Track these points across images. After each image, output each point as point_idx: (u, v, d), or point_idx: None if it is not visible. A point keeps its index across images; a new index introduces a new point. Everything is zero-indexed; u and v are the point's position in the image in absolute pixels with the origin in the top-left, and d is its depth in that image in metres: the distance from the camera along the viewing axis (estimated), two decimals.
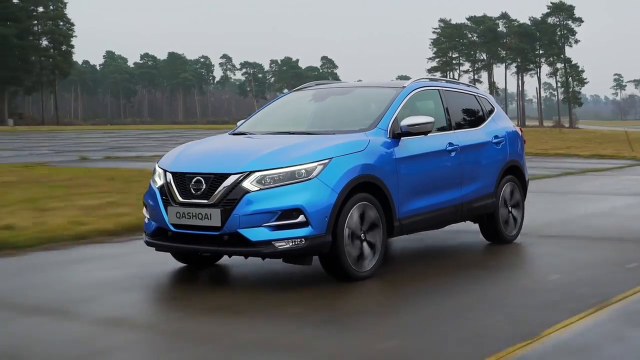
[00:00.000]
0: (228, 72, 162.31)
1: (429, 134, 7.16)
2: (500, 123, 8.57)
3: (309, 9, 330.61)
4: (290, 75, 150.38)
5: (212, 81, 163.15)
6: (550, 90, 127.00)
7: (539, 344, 4.60)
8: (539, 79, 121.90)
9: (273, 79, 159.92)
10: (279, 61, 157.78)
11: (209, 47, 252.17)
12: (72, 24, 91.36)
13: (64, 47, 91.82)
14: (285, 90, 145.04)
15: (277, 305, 5.77)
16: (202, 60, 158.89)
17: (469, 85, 8.82)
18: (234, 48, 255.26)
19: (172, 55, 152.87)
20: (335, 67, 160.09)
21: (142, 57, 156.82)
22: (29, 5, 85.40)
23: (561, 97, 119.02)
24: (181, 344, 4.79)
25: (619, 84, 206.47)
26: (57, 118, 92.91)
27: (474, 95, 8.52)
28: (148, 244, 6.71)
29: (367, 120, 7.07)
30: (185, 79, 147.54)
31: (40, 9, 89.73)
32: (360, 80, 8.64)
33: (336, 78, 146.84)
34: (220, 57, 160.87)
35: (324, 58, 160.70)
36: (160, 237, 6.54)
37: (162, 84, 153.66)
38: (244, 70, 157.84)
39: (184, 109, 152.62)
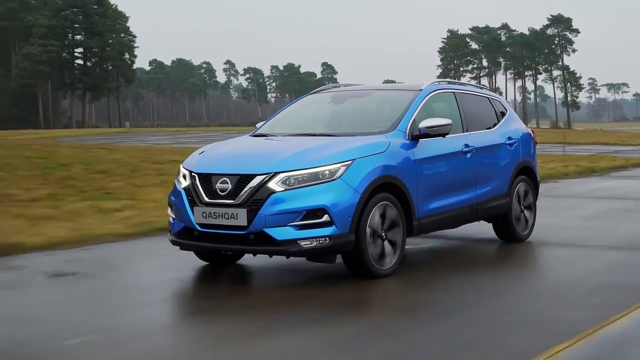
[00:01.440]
0: (231, 77, 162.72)
1: (445, 136, 7.09)
2: (513, 125, 8.49)
3: (312, 17, 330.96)
4: (293, 80, 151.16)
5: (215, 86, 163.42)
6: (524, 95, 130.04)
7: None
8: (535, 84, 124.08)
9: (274, 83, 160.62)
10: (282, 67, 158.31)
11: (212, 53, 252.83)
12: (135, 36, 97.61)
13: (127, 56, 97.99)
14: (287, 96, 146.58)
15: (299, 301, 5.73)
16: (204, 66, 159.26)
17: (481, 88, 8.75)
18: (236, 54, 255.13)
19: (180, 61, 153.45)
20: (335, 72, 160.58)
21: (150, 62, 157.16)
22: (108, 20, 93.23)
23: (556, 101, 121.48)
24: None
25: (593, 87, 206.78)
26: (120, 121, 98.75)
27: (487, 97, 8.45)
28: (174, 243, 6.64)
29: (386, 123, 7.00)
30: (193, 84, 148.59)
31: (109, 24, 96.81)
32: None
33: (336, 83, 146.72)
34: (224, 63, 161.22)
35: (324, 64, 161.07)
36: (186, 237, 6.46)
37: (170, 89, 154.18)
38: (247, 75, 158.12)
39: (190, 113, 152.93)
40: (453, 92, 7.85)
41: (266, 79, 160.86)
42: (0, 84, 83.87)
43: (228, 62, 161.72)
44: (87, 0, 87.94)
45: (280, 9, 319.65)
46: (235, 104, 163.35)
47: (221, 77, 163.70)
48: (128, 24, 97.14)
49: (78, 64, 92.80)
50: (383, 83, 9.32)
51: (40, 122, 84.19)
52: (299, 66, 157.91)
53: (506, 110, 8.59)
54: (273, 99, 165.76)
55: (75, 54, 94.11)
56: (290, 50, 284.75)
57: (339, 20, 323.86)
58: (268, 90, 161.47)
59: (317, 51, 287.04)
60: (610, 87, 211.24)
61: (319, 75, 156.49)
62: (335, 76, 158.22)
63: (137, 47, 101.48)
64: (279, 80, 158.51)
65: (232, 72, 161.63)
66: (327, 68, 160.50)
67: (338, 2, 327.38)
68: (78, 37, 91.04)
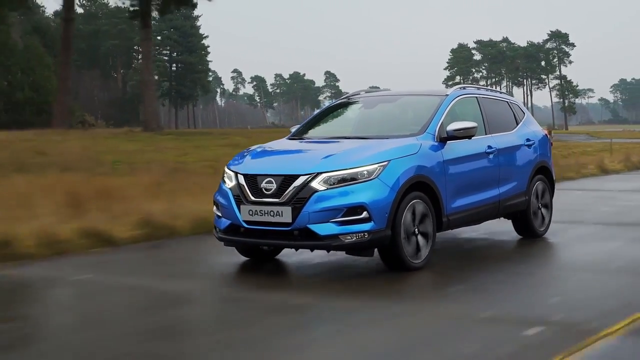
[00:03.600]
0: (239, 85, 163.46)
1: (471, 138, 7.28)
2: (531, 127, 8.67)
3: (317, 27, 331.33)
4: (298, 87, 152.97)
5: (223, 93, 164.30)
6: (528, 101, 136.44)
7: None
8: (531, 92, 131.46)
9: (278, 90, 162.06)
10: (287, 75, 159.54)
11: (218, 62, 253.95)
12: (208, 52, 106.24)
13: (202, 67, 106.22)
14: (292, 101, 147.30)
15: (344, 290, 5.94)
16: (211, 74, 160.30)
17: (501, 93, 8.94)
18: (241, 63, 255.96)
19: None
20: (337, 80, 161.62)
21: None
22: (197, 39, 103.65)
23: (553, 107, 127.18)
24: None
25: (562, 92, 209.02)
26: (195, 125, 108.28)
27: (507, 101, 8.63)
28: (220, 239, 6.83)
29: (416, 126, 7.18)
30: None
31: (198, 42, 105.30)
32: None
33: (338, 91, 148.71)
34: (232, 72, 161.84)
35: (327, 72, 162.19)
36: (232, 233, 6.65)
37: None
38: (254, 83, 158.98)
39: (201, 118, 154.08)
40: (476, 96, 8.04)
41: (269, 87, 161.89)
42: (111, 94, 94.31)
43: (235, 70, 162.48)
44: (183, 23, 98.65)
45: (285, 18, 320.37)
46: (240, 109, 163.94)
47: (228, 85, 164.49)
48: (202, 42, 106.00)
49: (174, 76, 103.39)
50: (370, 88, 9.40)
51: (139, 124, 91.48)
52: (304, 74, 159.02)
53: (523, 113, 8.78)
54: (276, 105, 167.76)
55: (172, 67, 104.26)
56: (294, 60, 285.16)
57: (343, 31, 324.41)
58: (273, 96, 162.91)
59: (321, 61, 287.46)
60: (578, 92, 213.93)
61: (320, 83, 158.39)
62: (337, 84, 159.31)
63: (211, 61, 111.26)
64: (284, 88, 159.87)
65: (240, 80, 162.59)
66: (330, 76, 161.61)
67: (342, 14, 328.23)
68: (174, 53, 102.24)
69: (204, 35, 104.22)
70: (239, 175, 6.64)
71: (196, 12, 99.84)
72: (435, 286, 6.37)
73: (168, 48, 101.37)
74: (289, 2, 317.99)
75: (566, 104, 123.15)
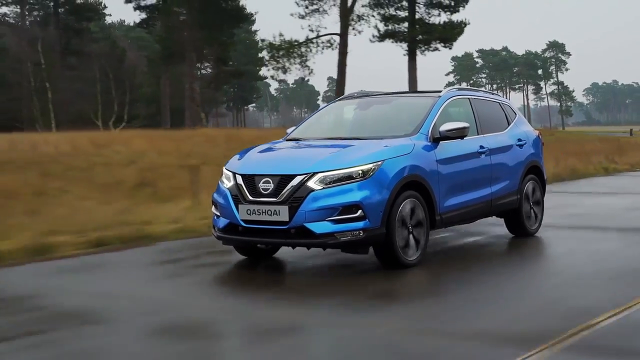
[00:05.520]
0: None
1: (463, 138, 7.24)
2: (522, 127, 8.62)
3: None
4: (304, 92, 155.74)
5: None
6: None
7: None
8: (527, 96, 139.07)
9: (282, 95, 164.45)
10: (293, 80, 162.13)
11: None
12: (264, 63, 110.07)
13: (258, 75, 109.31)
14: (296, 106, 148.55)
15: (339, 287, 5.89)
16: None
17: (493, 94, 8.90)
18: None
19: None
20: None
21: None
22: (258, 51, 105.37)
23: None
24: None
25: (539, 95, 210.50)
26: (245, 125, 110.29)
27: (499, 102, 8.59)
28: (218, 238, 6.80)
29: (410, 127, 7.14)
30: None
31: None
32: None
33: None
34: None
35: (329, 78, 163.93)
36: (231, 232, 6.61)
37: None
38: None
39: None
40: (468, 98, 8.00)
41: (274, 92, 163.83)
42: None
43: None
44: (246, 36, 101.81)
45: (289, 23, 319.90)
46: (250, 113, 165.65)
47: None
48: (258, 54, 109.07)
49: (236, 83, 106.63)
50: (360, 91, 9.38)
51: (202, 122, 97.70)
52: (307, 80, 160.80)
53: (515, 114, 8.73)
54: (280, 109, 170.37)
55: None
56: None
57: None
58: (277, 100, 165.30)
59: (323, 65, 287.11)
60: (552, 94, 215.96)
61: (324, 88, 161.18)
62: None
63: (260, 69, 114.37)
64: (288, 92, 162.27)
65: None
66: (332, 82, 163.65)
67: None
68: (235, 63, 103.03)
69: (259, 47, 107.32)
70: (237, 175, 6.61)
71: (254, 27, 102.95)
72: (428, 283, 6.33)
73: (230, 57, 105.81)
74: None
75: (563, 107, 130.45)
